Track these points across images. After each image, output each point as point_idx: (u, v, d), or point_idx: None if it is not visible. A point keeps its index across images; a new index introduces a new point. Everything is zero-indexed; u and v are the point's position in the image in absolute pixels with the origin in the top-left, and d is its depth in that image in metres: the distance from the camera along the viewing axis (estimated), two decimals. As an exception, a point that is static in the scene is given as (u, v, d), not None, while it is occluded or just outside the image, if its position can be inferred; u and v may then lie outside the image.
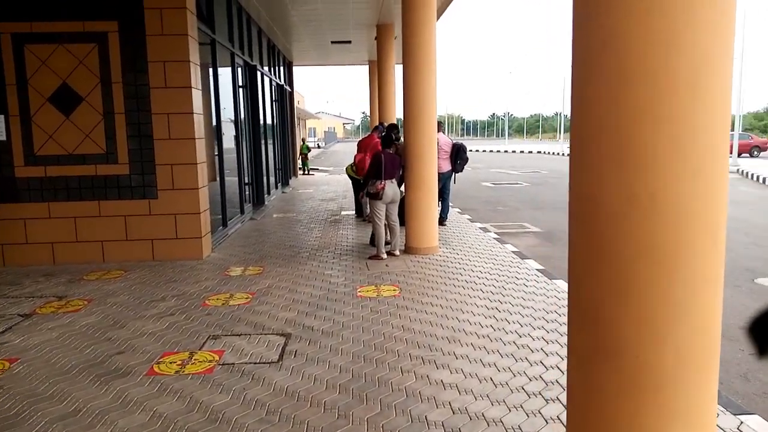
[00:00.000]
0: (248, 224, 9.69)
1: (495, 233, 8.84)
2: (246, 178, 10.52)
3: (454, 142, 9.05)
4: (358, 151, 9.49)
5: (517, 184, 18.25)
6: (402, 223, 7.38)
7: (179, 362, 3.86)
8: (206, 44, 8.05)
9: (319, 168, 25.20)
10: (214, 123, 8.49)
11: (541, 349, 4.07)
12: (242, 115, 10.48)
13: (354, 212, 10.54)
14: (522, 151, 46.15)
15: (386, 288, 5.61)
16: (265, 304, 5.15)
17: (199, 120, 6.99)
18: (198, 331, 4.47)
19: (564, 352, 3.96)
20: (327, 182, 17.64)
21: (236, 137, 9.87)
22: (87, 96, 6.72)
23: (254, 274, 6.23)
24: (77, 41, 6.63)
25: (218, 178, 8.62)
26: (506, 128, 70.95)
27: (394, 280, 5.92)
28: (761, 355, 0.88)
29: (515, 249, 7.48)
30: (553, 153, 43.82)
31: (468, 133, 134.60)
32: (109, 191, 6.84)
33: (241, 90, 10.43)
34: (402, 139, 7.51)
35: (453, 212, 10.48)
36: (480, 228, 9.15)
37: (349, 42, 15.09)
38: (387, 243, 7.45)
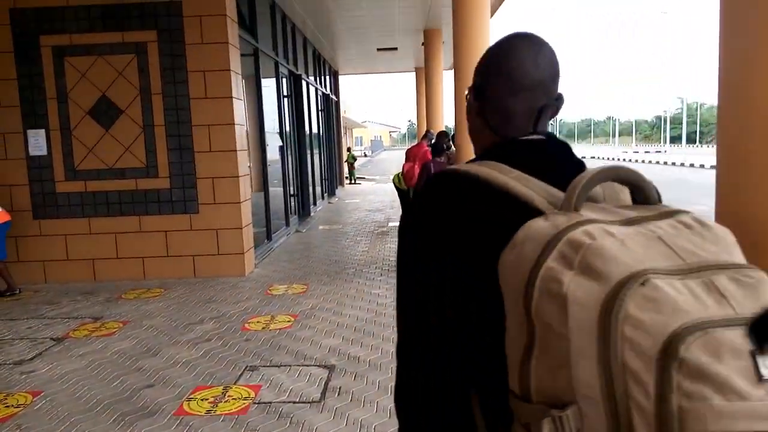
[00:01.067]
0: (294, 237, 9.37)
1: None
2: (291, 189, 10.23)
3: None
4: (406, 160, 9.04)
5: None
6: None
7: (211, 399, 3.47)
8: (249, 55, 7.79)
9: (366, 177, 24.90)
10: (258, 134, 8.21)
11: None
12: (287, 125, 10.21)
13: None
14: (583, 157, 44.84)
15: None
16: (308, 328, 4.74)
17: (240, 131, 6.69)
18: (235, 361, 4.09)
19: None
20: (373, 191, 17.26)
21: (281, 147, 9.59)
22: (126, 108, 6.52)
23: (298, 293, 5.84)
24: (116, 52, 6.44)
25: (263, 190, 8.33)
26: (557, 132, 69.32)
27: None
28: (761, 355, 0.59)
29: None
30: (608, 158, 42.36)
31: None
32: (150, 206, 6.61)
33: (286, 100, 10.17)
34: (453, 147, 7.02)
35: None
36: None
37: (396, 49, 14.71)
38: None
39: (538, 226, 0.73)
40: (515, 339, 0.74)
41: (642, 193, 0.80)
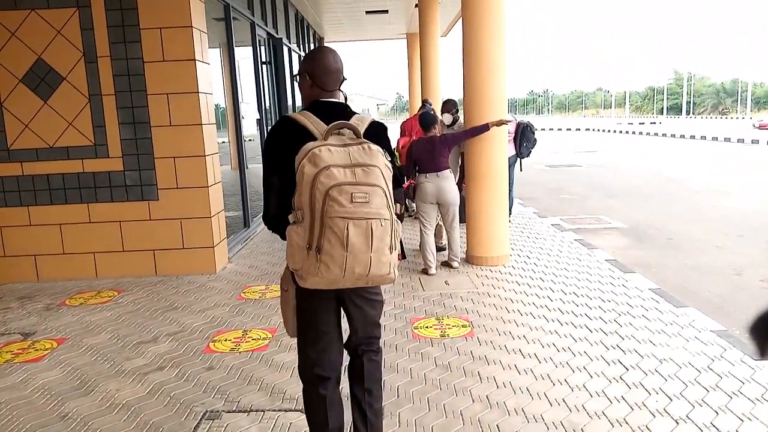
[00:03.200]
0: (275, 222, 8.33)
1: (571, 231, 7.25)
2: (273, 169, 9.14)
3: (518, 120, 7.45)
4: (401, 134, 8.00)
5: (575, 166, 16.47)
6: (462, 220, 5.90)
7: (150, 474, 2.49)
8: (220, 19, 6.64)
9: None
10: (232, 105, 7.11)
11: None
12: (267, 96, 9.08)
13: None
14: (569, 129, 43.81)
15: (452, 322, 4.14)
16: (288, 349, 3.75)
17: (207, 101, 5.60)
18: (191, 402, 3.10)
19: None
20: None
21: (260, 121, 8.48)
22: (68, 75, 5.40)
23: (277, 296, 4.84)
24: (53, 6, 5.30)
25: (239, 170, 7.26)
26: (549, 105, 68.17)
27: (460, 307, 4.44)
28: (762, 355, 1.11)
29: (609, 257, 5.87)
30: (602, 130, 41.43)
31: (506, 112, 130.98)
32: (100, 192, 5.54)
33: (264, 67, 9.02)
34: (461, 118, 5.99)
35: (514, 203, 8.91)
36: (552, 225, 7.56)
37: (386, 12, 13.49)
38: (441, 249, 5.99)
39: (309, 144, 1.89)
40: (296, 185, 1.90)
41: (356, 133, 1.95)
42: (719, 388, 3.06)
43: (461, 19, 5.51)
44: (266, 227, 2.12)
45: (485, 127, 5.26)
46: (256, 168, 8.04)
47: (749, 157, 18.39)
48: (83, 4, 5.30)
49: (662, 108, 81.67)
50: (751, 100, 73.14)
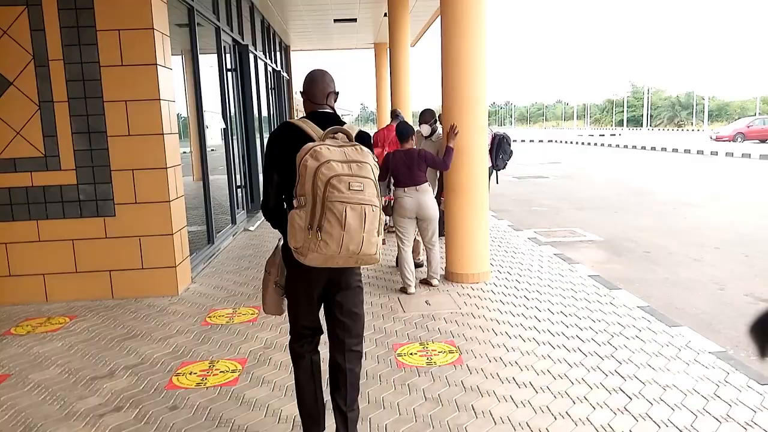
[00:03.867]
0: (242, 238, 7.94)
1: (548, 244, 7.09)
2: (238, 179, 8.75)
3: (494, 132, 7.28)
4: (374, 146, 7.74)
5: (542, 177, 16.48)
6: (441, 234, 5.65)
7: None
8: (184, 25, 6.27)
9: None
10: (195, 113, 6.72)
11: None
12: (233, 104, 8.70)
13: None
14: (531, 140, 44.34)
15: (437, 347, 3.86)
16: (261, 384, 3.40)
17: (169, 109, 5.22)
18: (152, 450, 2.73)
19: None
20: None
21: (225, 131, 8.09)
22: (15, 79, 4.95)
23: (246, 321, 4.49)
24: (-2, 4, 4.86)
25: (202, 182, 6.87)
26: (512, 117, 69.12)
27: (444, 330, 4.17)
28: (762, 356, 1.07)
29: (591, 272, 5.70)
30: (563, 141, 42.07)
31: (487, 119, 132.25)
32: (51, 207, 5.08)
33: (230, 74, 8.65)
34: (440, 128, 5.75)
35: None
36: (529, 239, 7.38)
37: (355, 20, 13.26)
38: (418, 265, 5.73)
39: (309, 143, 2.21)
40: (297, 178, 2.21)
41: (349, 137, 2.29)
42: (731, 418, 2.86)
43: (440, 22, 5.29)
44: (264, 218, 2.53)
45: (450, 150, 5.07)
46: (218, 179, 7.65)
47: (711, 168, 18.77)
48: (33, 2, 4.87)
49: (621, 120, 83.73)
50: (706, 113, 75.65)
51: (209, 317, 4.62)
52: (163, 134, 5.06)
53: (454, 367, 3.54)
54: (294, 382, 2.61)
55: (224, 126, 7.98)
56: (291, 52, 17.34)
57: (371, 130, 11.96)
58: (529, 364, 3.55)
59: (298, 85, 22.58)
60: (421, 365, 3.58)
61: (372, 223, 2.18)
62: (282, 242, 2.46)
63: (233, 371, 3.58)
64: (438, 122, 5.86)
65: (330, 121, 2.44)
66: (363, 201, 2.15)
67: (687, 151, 26.63)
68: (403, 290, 5.08)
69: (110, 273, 5.19)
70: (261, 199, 2.53)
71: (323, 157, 2.14)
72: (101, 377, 3.57)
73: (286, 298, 2.54)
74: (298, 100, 32.69)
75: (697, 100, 67.81)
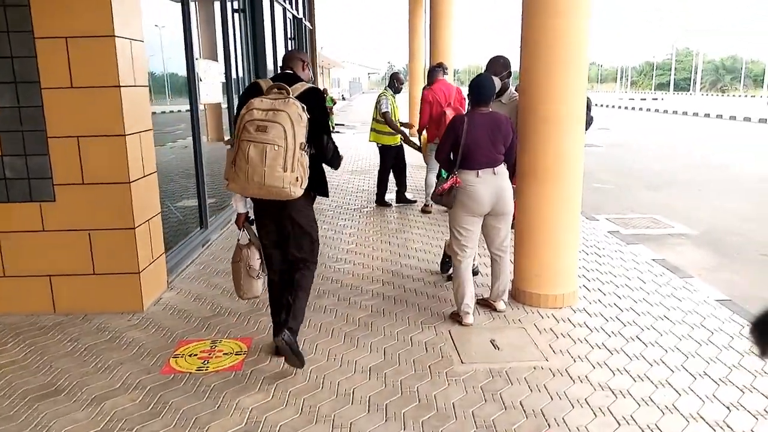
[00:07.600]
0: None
1: (632, 238, 5.49)
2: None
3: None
4: (427, 107, 6.11)
5: (594, 146, 14.60)
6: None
7: None
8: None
9: (345, 124, 21.62)
10: (185, 62, 5.18)
11: None
12: (239, 55, 7.13)
13: (376, 196, 7.11)
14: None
15: (526, 447, 2.36)
16: None
17: (132, 50, 3.68)
18: None
19: None
20: (356, 145, 14.08)
21: (225, 85, 6.53)
22: None
23: (226, 368, 3.03)
24: None
25: (194, 149, 5.38)
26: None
27: (529, 407, 2.65)
28: (763, 355, 1.09)
29: (719, 295, 4.07)
30: (604, 105, 39.58)
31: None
32: (-33, 187, 3.64)
33: (236, 16, 7.05)
34: (513, 88, 4.13)
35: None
36: (610, 233, 5.78)
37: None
38: (475, 273, 4.19)
39: (256, 98, 2.77)
40: None
41: (287, 91, 2.74)
42: None
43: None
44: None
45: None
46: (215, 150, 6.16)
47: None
48: None
49: (660, 83, 79.85)
50: (749, 77, 71.30)
51: (175, 357, 3.16)
52: (119, 86, 3.53)
53: (563, 501, 2.04)
54: None
55: (224, 80, 6.42)
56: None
57: (404, 96, 10.30)
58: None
59: (322, 38, 20.78)
60: (505, 495, 2.08)
61: (274, 159, 2.62)
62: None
63: (185, 491, 2.13)
64: (510, 80, 4.23)
65: (288, 79, 2.92)
66: (266, 140, 2.62)
67: (747, 119, 24.30)
68: (457, 318, 3.57)
69: (50, 279, 3.76)
70: None
71: (251, 106, 2.69)
72: (-29, 489, 2.17)
73: (258, 278, 3.03)
74: (323, 55, 30.85)
75: (747, 64, 63.88)
